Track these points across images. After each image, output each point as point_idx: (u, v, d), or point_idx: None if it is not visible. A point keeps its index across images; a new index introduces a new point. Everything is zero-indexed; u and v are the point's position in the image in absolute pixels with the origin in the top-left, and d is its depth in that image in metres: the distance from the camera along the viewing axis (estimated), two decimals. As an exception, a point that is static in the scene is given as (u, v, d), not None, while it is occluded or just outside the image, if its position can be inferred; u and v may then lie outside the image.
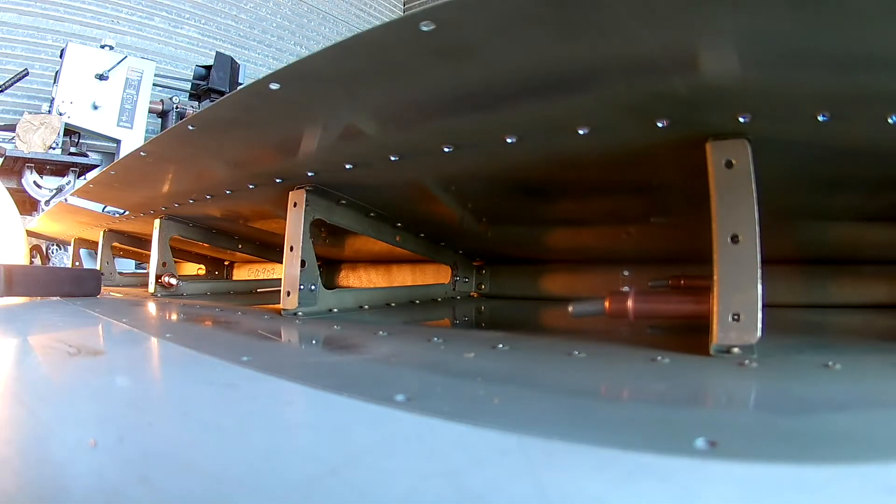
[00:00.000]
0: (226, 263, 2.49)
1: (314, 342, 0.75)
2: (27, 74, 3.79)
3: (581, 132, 0.65)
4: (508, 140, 0.69)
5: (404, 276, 1.63)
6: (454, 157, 0.75)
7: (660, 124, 0.62)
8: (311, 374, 0.51)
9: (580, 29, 0.49)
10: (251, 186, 1.09)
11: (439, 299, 1.34)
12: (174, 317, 1.04)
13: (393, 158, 0.81)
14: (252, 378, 0.49)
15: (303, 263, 0.95)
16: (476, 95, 0.62)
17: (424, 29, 0.47)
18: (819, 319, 0.96)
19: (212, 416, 0.41)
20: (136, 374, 0.58)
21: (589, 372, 0.53)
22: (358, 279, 1.83)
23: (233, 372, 0.52)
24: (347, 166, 0.87)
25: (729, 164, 0.60)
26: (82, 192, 1.58)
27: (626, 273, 1.21)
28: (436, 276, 1.52)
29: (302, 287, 0.95)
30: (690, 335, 0.63)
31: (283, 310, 0.96)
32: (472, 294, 1.42)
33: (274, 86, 0.65)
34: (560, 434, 0.33)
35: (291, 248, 0.96)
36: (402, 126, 0.74)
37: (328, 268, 1.89)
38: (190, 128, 0.85)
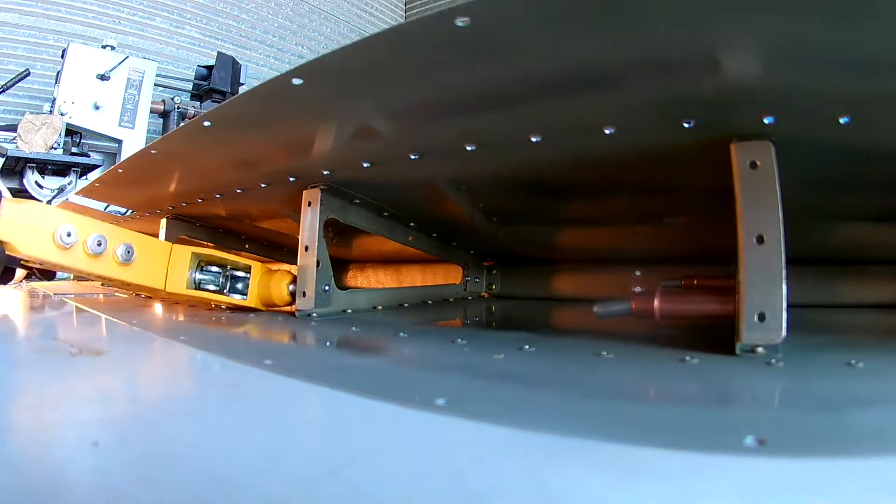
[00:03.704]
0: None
1: (334, 344, 0.74)
2: (28, 75, 3.77)
3: (607, 132, 0.65)
4: (533, 139, 0.68)
5: (414, 277, 1.62)
6: (476, 155, 0.75)
7: (686, 125, 0.62)
8: (342, 379, 0.50)
9: (612, 28, 0.49)
10: (263, 185, 1.08)
11: (451, 299, 1.34)
12: (181, 317, 1.03)
13: (413, 157, 0.80)
14: (275, 381, 0.48)
15: (317, 263, 0.95)
16: (504, 93, 0.61)
17: (460, 24, 0.47)
18: (835, 319, 0.96)
19: (247, 424, 0.40)
20: (148, 376, 0.57)
21: (621, 373, 0.53)
22: (366, 280, 1.82)
23: (255, 376, 0.51)
24: (365, 164, 0.86)
25: (753, 165, 0.60)
26: (87, 192, 1.56)
27: (637, 273, 1.21)
28: (446, 276, 1.51)
29: (316, 288, 0.94)
30: (712, 334, 0.63)
31: (298, 310, 0.95)
32: (482, 294, 1.41)
33: (296, 81, 0.64)
34: (609, 436, 0.33)
35: (306, 248, 0.95)
36: (425, 123, 0.73)
37: (336, 268, 1.88)
38: (206, 124, 0.83)
